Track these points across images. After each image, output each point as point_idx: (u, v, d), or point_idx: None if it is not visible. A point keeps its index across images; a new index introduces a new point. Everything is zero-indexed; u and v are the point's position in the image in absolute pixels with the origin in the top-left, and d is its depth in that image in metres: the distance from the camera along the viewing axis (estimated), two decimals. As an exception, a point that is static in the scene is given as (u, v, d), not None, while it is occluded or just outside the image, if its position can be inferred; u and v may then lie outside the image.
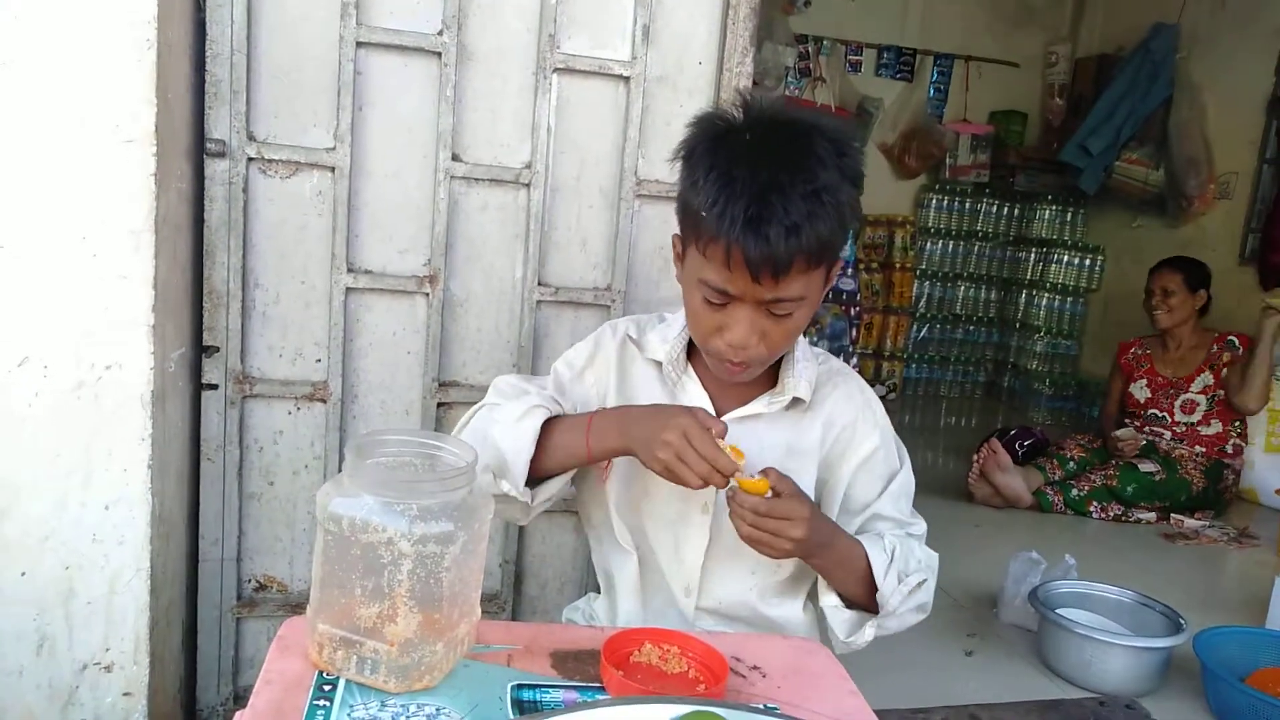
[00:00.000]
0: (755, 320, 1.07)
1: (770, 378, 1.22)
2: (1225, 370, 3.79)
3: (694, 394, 1.22)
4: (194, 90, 1.57)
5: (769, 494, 1.07)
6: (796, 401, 1.21)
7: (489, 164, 1.71)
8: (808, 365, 1.22)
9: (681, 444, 1.04)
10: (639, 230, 1.78)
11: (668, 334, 1.25)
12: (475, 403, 1.76)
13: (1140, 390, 3.99)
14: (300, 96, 1.63)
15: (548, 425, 1.15)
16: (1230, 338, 3.83)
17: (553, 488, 1.20)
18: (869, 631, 1.19)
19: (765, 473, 1.08)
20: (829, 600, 1.20)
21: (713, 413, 1.20)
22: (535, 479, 1.17)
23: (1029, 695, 2.16)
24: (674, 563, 1.25)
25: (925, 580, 1.20)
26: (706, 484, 1.06)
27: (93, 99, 1.37)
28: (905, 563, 1.19)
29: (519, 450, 1.13)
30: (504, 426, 1.15)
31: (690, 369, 1.24)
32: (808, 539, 1.08)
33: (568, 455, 1.16)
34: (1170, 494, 3.67)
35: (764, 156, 1.02)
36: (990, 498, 3.69)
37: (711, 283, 1.06)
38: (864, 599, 1.19)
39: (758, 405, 1.21)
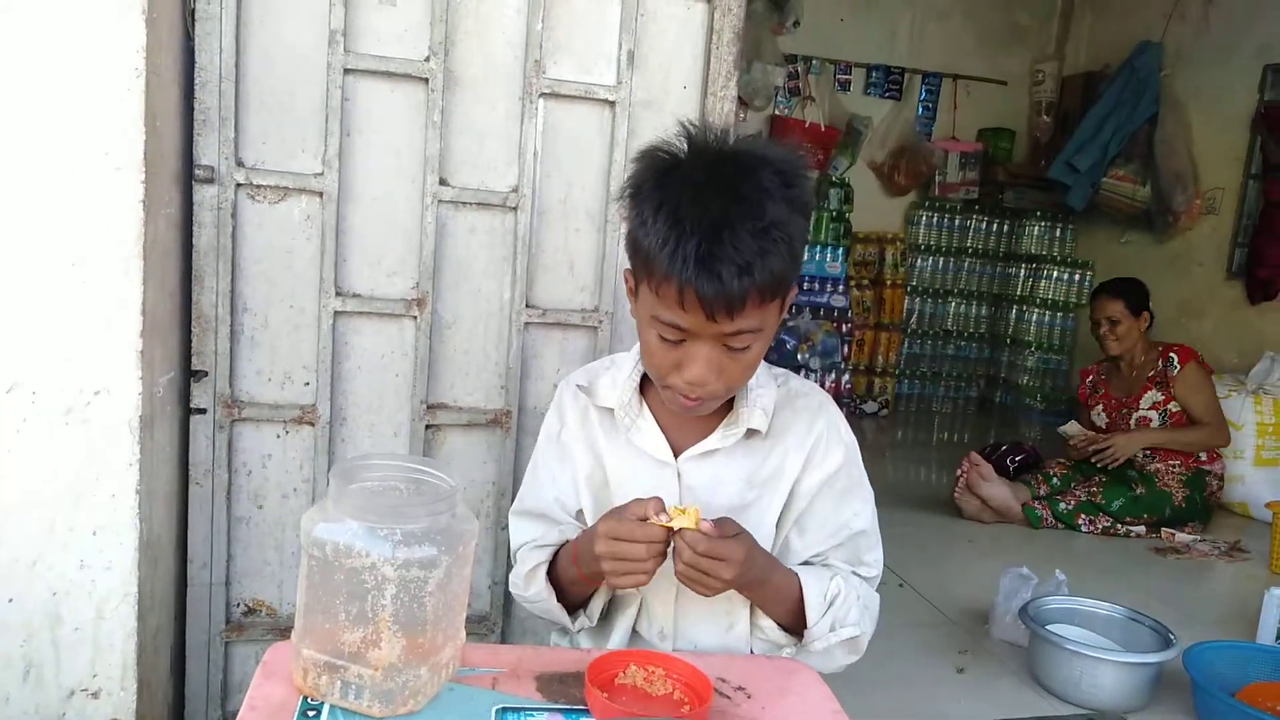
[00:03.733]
0: (712, 357, 1.06)
1: (727, 407, 1.20)
2: (1174, 388, 3.75)
3: (649, 435, 1.21)
4: (183, 117, 1.58)
5: (699, 524, 1.05)
6: (753, 432, 1.19)
7: (476, 188, 1.73)
8: (764, 392, 1.20)
9: (611, 548, 1.06)
10: (625, 253, 1.79)
11: (618, 377, 1.24)
12: (465, 425, 1.80)
13: (1098, 416, 3.97)
14: (288, 123, 1.64)
15: (554, 569, 1.21)
16: (1170, 354, 3.78)
17: (598, 602, 1.24)
18: (785, 654, 1.21)
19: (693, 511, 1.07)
20: (762, 620, 1.21)
21: (669, 453, 1.20)
22: (581, 601, 1.24)
23: (1020, 712, 2.17)
24: (647, 609, 1.25)
25: (858, 636, 1.19)
26: (659, 561, 1.06)
27: (82, 126, 1.38)
28: (844, 612, 1.17)
29: (549, 609, 1.23)
30: (523, 599, 1.25)
31: (645, 409, 1.22)
32: (738, 579, 1.07)
33: (579, 589, 1.21)
34: (1154, 508, 3.68)
35: (712, 193, 1.01)
36: (980, 511, 3.69)
37: (666, 320, 1.05)
38: (796, 628, 1.19)
39: (713, 440, 1.19)
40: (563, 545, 1.22)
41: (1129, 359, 3.88)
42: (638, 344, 1.23)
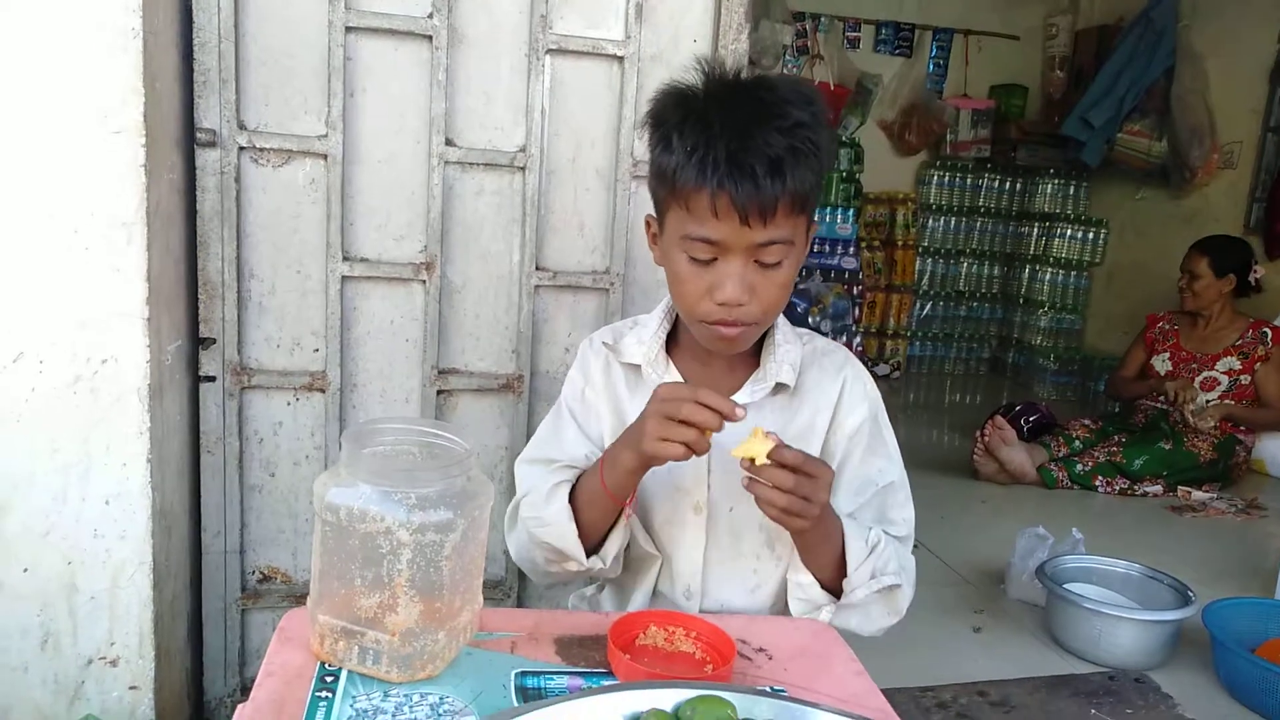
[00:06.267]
0: (745, 274, 1.05)
1: (753, 364, 1.19)
2: (1260, 366, 3.76)
3: None
4: (182, 80, 1.55)
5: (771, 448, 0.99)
6: (781, 387, 1.18)
7: (483, 148, 1.70)
8: (790, 348, 1.19)
9: (667, 408, 1.00)
10: (637, 212, 1.76)
11: (643, 335, 1.22)
12: (476, 390, 1.78)
13: (1162, 363, 3.98)
14: (290, 83, 1.61)
15: (574, 492, 1.14)
16: (1264, 329, 3.79)
17: (615, 541, 1.16)
18: (824, 615, 1.14)
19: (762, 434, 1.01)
20: (802, 578, 1.15)
21: None
22: (598, 539, 1.16)
23: (1038, 671, 2.16)
24: (672, 566, 1.22)
25: (900, 586, 1.14)
26: (704, 432, 0.99)
27: (79, 90, 1.35)
28: (884, 561, 1.13)
29: (563, 534, 1.13)
30: (538, 521, 1.15)
31: (671, 365, 1.20)
32: (827, 502, 1.04)
33: (598, 509, 1.13)
34: (1178, 466, 3.66)
35: (735, 102, 1.03)
36: (996, 474, 3.68)
37: (697, 235, 1.04)
38: (834, 583, 1.14)
39: (741, 395, 1.17)
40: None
41: (1207, 317, 3.88)
42: (663, 302, 1.22)
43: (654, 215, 1.14)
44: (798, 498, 1.00)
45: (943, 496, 3.49)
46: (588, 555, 1.15)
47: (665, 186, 1.07)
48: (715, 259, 1.05)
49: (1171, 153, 5.05)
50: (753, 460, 0.99)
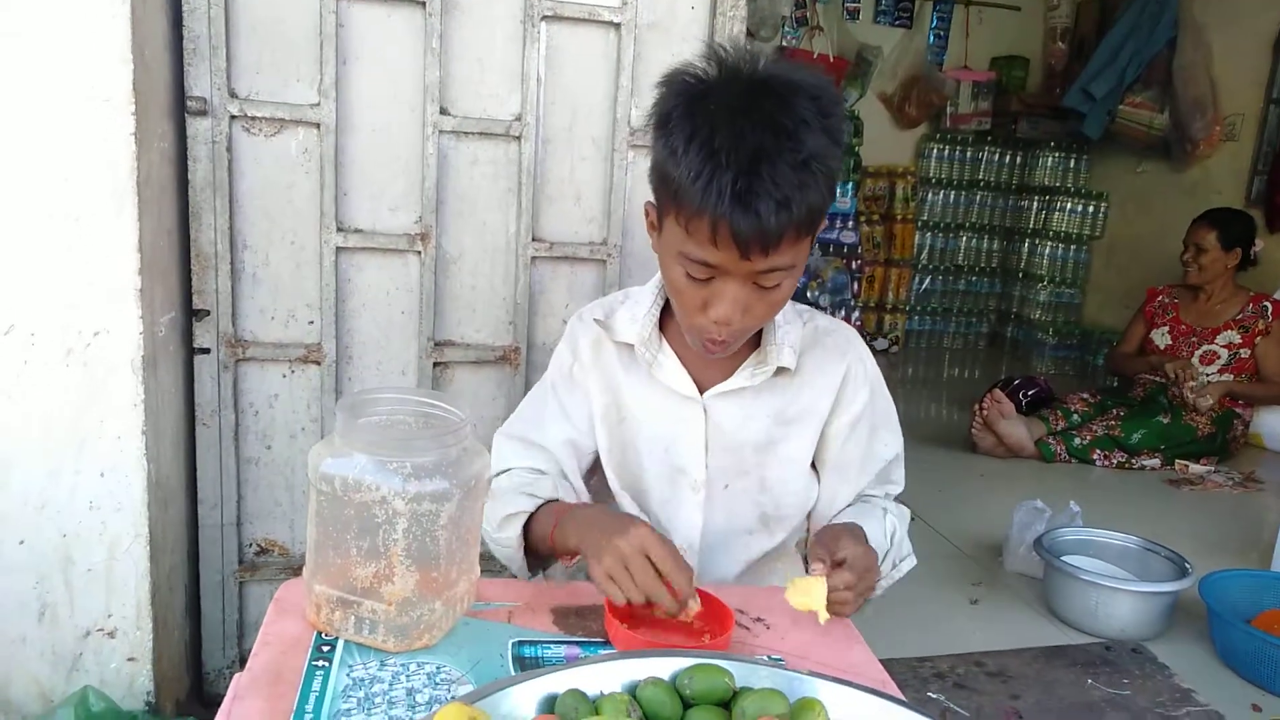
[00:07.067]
0: (740, 295, 1.01)
1: (753, 344, 1.16)
2: (1260, 340, 3.74)
3: (672, 371, 1.16)
4: (172, 48, 1.53)
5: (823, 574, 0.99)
6: (782, 369, 1.16)
7: (478, 116, 1.67)
8: (791, 329, 1.17)
9: (635, 555, 0.94)
10: (634, 182, 1.74)
11: (636, 312, 1.18)
12: (473, 362, 1.77)
13: (1161, 337, 3.96)
14: (282, 51, 1.58)
15: (531, 519, 1.13)
16: (1265, 303, 3.77)
17: (560, 565, 1.19)
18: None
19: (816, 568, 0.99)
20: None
21: (694, 389, 1.16)
22: (544, 560, 1.19)
23: (1035, 642, 2.17)
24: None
25: (911, 563, 1.20)
26: (647, 603, 0.94)
27: (67, 58, 1.33)
28: (900, 545, 1.18)
29: (511, 558, 1.16)
30: (490, 537, 1.16)
31: (665, 345, 1.18)
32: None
33: (545, 548, 1.13)
34: (1176, 439, 3.66)
35: (748, 124, 0.94)
36: (994, 448, 3.68)
37: (695, 257, 0.99)
38: None
39: (741, 378, 1.16)
40: (548, 503, 1.15)
41: (1209, 291, 3.86)
42: (655, 276, 1.19)
43: (654, 205, 1.08)
44: (862, 590, 1.01)
45: (941, 470, 3.49)
46: (533, 572, 1.19)
47: (667, 195, 1.01)
48: (712, 278, 1.01)
49: (1173, 125, 5.01)
50: (815, 612, 0.97)
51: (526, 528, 1.14)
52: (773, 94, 0.96)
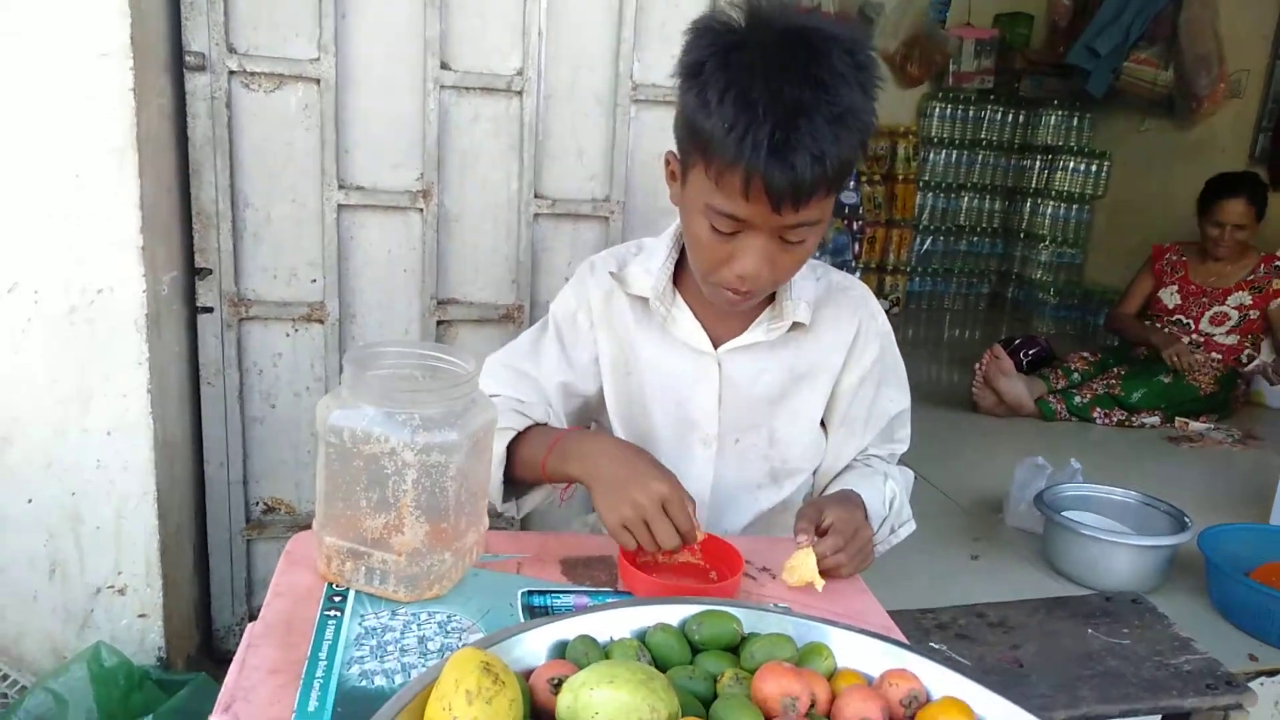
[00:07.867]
0: (766, 249, 1.00)
1: (767, 299, 1.16)
2: (1275, 302, 3.69)
3: (686, 325, 1.16)
4: (169, 2, 1.50)
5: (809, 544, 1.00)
6: (797, 324, 1.15)
7: (480, 72, 1.65)
8: (806, 284, 1.16)
9: (654, 510, 0.96)
10: (636, 138, 1.73)
11: (650, 264, 1.17)
12: (476, 320, 1.77)
13: (1170, 296, 3.90)
14: (280, 5, 1.56)
15: (519, 438, 1.12)
16: (1276, 263, 3.71)
17: (535, 498, 1.18)
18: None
19: (800, 536, 1.01)
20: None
21: (708, 344, 1.16)
22: (522, 489, 1.17)
23: (1035, 595, 2.19)
24: None
25: (910, 529, 1.22)
26: (661, 552, 0.98)
27: (64, 12, 1.31)
28: (900, 511, 1.19)
29: (489, 475, 1.12)
30: None
31: (679, 299, 1.17)
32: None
33: (530, 474, 1.12)
34: (1177, 399, 3.66)
35: (784, 75, 0.92)
36: (994, 407, 3.69)
37: (723, 210, 0.98)
38: None
39: (756, 333, 1.16)
40: (538, 426, 1.15)
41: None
42: (671, 228, 1.18)
43: (676, 155, 1.07)
44: (854, 551, 1.02)
45: (941, 429, 3.50)
46: (505, 499, 1.16)
47: (696, 146, 0.99)
48: (738, 232, 1.00)
49: (1178, 82, 4.95)
50: (811, 584, 0.98)
51: (511, 448, 1.12)
52: (809, 46, 0.94)
